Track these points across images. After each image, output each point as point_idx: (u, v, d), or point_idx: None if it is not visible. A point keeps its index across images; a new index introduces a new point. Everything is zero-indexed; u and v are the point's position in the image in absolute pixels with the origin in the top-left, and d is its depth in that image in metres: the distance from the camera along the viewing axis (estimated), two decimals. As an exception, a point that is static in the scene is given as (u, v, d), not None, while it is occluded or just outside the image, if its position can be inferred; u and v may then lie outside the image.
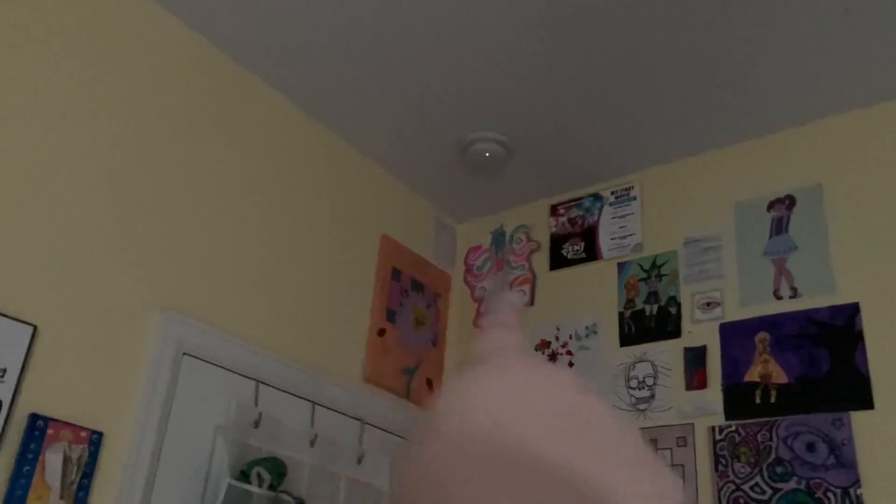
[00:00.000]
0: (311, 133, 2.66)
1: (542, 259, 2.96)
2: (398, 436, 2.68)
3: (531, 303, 2.90)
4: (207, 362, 2.16)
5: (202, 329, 2.16)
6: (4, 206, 1.81)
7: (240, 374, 2.23)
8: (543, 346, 2.79)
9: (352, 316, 2.66)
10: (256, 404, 2.24)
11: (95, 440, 1.83)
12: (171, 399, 2.04)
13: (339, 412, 2.49)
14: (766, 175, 2.54)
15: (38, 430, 1.73)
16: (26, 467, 1.69)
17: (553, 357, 2.75)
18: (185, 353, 2.11)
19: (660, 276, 2.63)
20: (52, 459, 1.73)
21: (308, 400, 2.40)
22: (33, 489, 1.68)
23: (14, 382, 1.71)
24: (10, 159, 1.84)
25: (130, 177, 2.09)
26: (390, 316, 2.78)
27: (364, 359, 2.65)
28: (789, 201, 2.46)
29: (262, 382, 2.28)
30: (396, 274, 2.85)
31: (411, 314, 2.87)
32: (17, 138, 1.86)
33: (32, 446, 1.71)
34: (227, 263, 2.29)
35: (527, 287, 2.94)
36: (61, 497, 1.73)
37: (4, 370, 1.70)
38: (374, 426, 2.60)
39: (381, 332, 2.72)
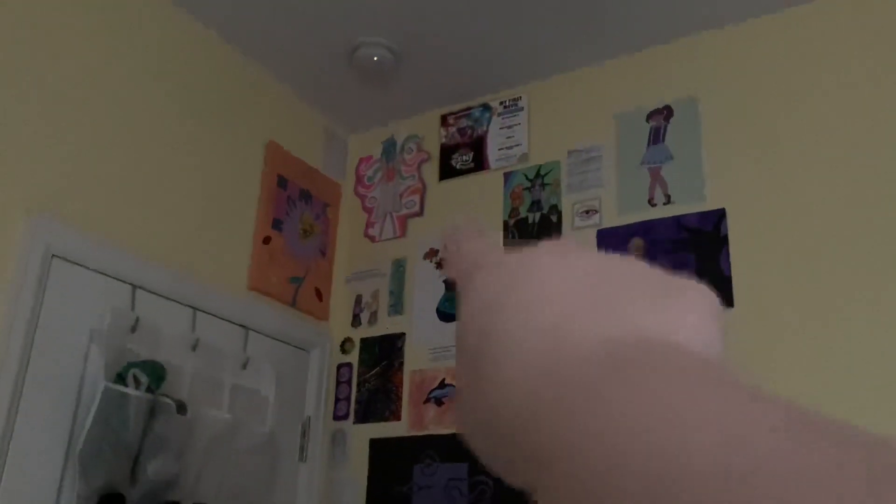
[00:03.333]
0: (195, 34, 2.55)
1: (431, 169, 2.97)
2: (284, 342, 2.69)
3: (420, 213, 2.92)
4: (80, 266, 2.09)
5: (74, 232, 2.08)
6: None
7: (116, 279, 2.17)
8: (432, 254, 2.83)
9: (236, 224, 2.61)
10: (133, 309, 2.19)
11: (-45, 342, 1.76)
12: (40, 302, 1.97)
13: (222, 319, 2.46)
14: (645, 87, 2.60)
15: None
16: None
17: (440, 265, 2.80)
18: (54, 256, 2.03)
19: (543, 186, 2.69)
20: None
21: (189, 306, 2.36)
22: None
23: None
24: None
25: (1, 79, 1.96)
26: (276, 224, 2.74)
27: (249, 267, 2.62)
28: (667, 112, 2.54)
29: (140, 287, 2.22)
30: (283, 182, 2.80)
31: (299, 224, 2.85)
32: None
33: None
34: (103, 167, 2.20)
35: (416, 197, 2.95)
36: (-83, 399, 1.66)
37: None
38: (260, 333, 2.59)
39: (267, 241, 2.69)
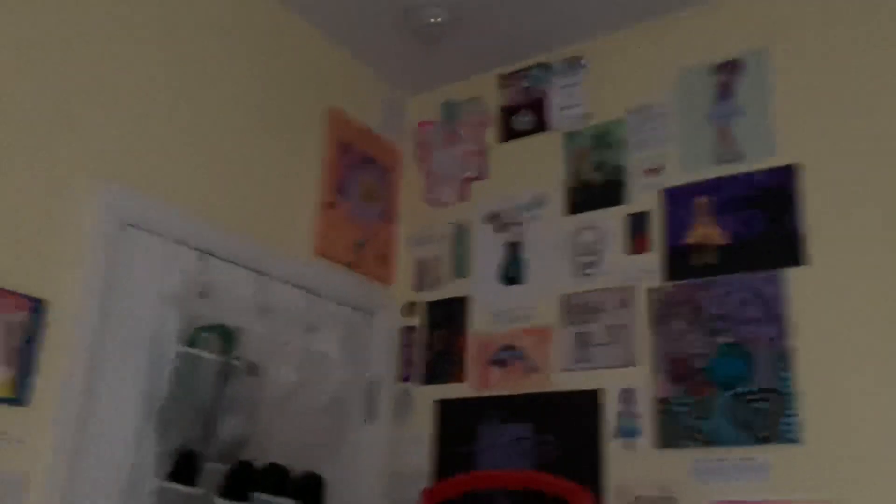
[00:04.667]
0: (257, 2, 2.57)
1: (492, 131, 2.94)
2: (349, 306, 2.73)
3: (482, 176, 2.90)
4: (152, 233, 2.16)
5: (145, 200, 2.14)
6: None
7: (185, 246, 2.23)
8: (493, 218, 2.82)
9: (300, 190, 2.65)
10: (203, 275, 2.25)
11: (38, 308, 1.83)
12: (115, 269, 2.04)
13: (288, 283, 2.51)
14: (712, 40, 2.51)
15: (-24, 297, 1.73)
16: (-33, 333, 1.69)
17: (504, 227, 2.78)
18: (128, 224, 2.09)
19: (606, 145, 2.64)
20: (-6, 326, 1.74)
21: (256, 271, 2.41)
22: (-24, 354, 1.70)
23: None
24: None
25: (70, 49, 2.01)
26: (339, 189, 2.77)
27: (313, 232, 2.66)
28: (735, 66, 2.45)
29: (209, 253, 2.28)
30: (345, 147, 2.82)
31: (361, 188, 2.87)
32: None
33: (-28, 313, 1.71)
34: (171, 136, 2.25)
35: (478, 160, 2.93)
36: (8, 362, 1.75)
37: (-64, 238, 1.68)
38: (326, 297, 2.64)
39: (331, 206, 2.72)
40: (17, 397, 1.76)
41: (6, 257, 1.82)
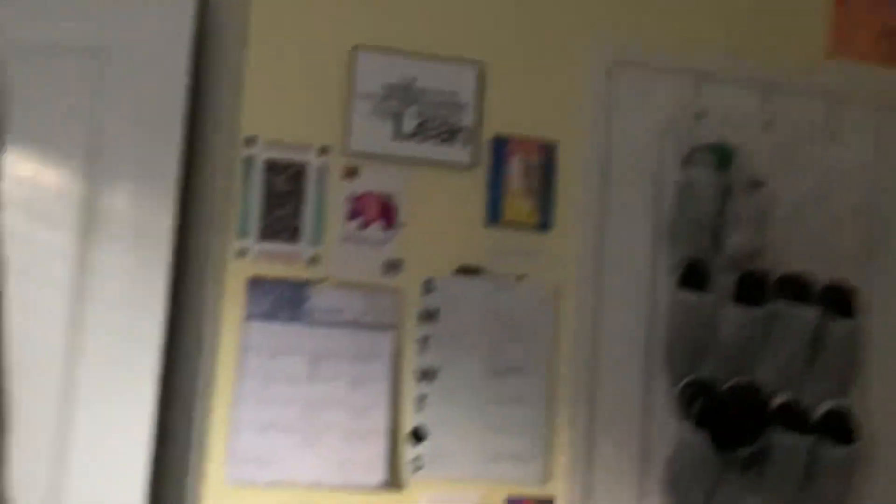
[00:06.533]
0: None
1: None
2: (878, 107, 2.45)
3: None
4: (645, 66, 2.30)
5: (633, 36, 2.29)
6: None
7: (679, 73, 2.31)
8: None
9: (804, -12, 2.44)
10: (699, 98, 2.31)
11: (549, 150, 2.20)
12: (613, 107, 2.26)
13: (796, 93, 2.38)
14: None
15: (500, 147, 2.16)
16: (497, 176, 2.15)
17: None
18: (622, 62, 2.28)
19: None
20: (516, 168, 2.16)
21: (757, 85, 2.35)
22: (506, 192, 2.15)
23: (473, 114, 2.15)
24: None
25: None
26: (853, -25, 2.45)
27: (824, 30, 2.43)
28: None
29: (705, 75, 2.32)
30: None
31: (885, -34, 2.47)
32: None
33: (500, 161, 2.16)
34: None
35: None
36: (527, 195, 2.16)
37: (466, 104, 2.15)
38: (844, 102, 2.42)
39: (843, -3, 2.44)
40: (542, 224, 2.17)
41: (522, 110, 2.20)
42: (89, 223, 1.81)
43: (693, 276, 2.19)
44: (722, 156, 2.22)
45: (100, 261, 1.81)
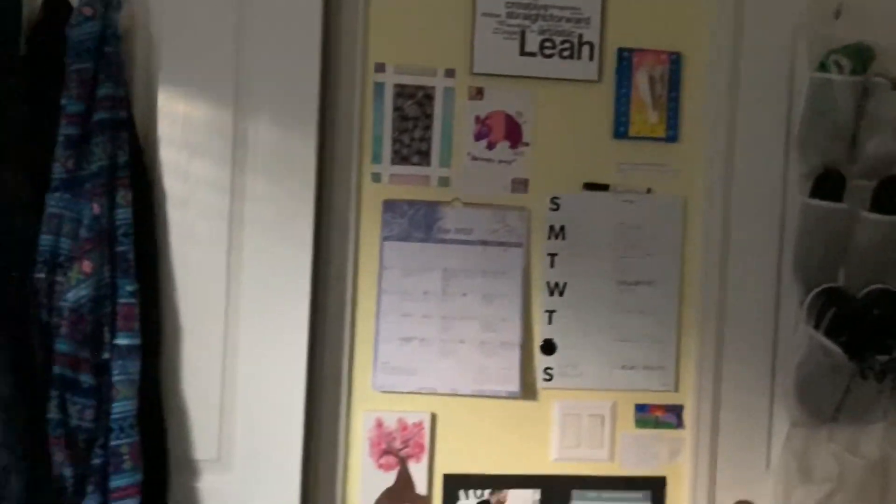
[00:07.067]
0: None
1: None
2: None
3: None
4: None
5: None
6: None
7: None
8: None
9: None
10: (833, -4, 2.20)
11: (675, 60, 2.16)
12: (740, 13, 2.18)
13: (944, -18, 2.23)
14: None
15: (625, 59, 2.15)
16: (623, 90, 2.14)
17: None
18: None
19: None
20: (641, 80, 2.15)
21: (899, -23, 2.22)
22: (632, 105, 2.15)
23: (599, 28, 2.13)
24: None
25: None
26: None
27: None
28: None
29: (839, -28, 2.20)
30: None
31: None
32: None
33: (625, 74, 2.15)
34: None
35: None
36: (654, 108, 2.15)
37: (589, 18, 2.13)
38: None
39: None
40: (669, 136, 2.16)
41: (645, 21, 2.17)
42: (240, 153, 1.94)
43: (827, 185, 2.14)
44: (860, 57, 2.13)
45: (251, 188, 1.94)
